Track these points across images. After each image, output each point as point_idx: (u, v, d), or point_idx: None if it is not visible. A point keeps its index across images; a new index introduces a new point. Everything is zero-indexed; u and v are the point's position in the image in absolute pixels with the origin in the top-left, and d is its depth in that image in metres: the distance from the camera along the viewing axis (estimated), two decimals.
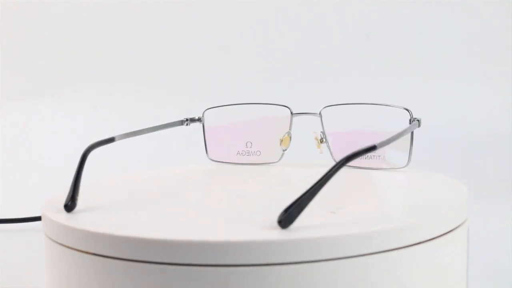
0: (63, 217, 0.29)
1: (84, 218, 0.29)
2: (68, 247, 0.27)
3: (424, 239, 0.27)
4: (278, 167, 0.43)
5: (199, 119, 0.45)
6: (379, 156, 0.39)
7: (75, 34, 0.83)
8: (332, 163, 0.28)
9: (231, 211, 0.30)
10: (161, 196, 0.35)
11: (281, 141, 0.42)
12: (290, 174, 0.41)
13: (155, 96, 0.81)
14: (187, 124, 0.44)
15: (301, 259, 0.24)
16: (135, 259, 0.25)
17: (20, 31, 0.83)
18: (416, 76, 0.79)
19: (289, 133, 0.42)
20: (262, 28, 0.82)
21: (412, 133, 0.37)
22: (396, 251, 0.26)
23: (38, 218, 0.50)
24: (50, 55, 0.83)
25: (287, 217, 0.26)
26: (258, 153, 0.43)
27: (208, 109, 0.45)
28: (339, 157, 0.38)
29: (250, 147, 0.44)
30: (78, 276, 0.27)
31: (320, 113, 0.41)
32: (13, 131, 0.80)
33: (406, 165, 0.38)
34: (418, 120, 0.37)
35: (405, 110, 0.37)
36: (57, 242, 0.28)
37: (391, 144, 0.33)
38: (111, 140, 0.37)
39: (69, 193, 0.31)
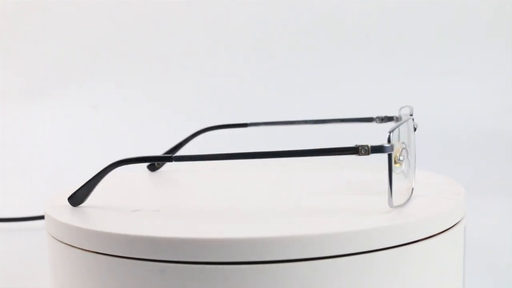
0: (66, 216, 0.29)
1: (87, 217, 0.29)
2: (71, 245, 0.28)
3: (420, 238, 0.27)
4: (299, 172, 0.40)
5: (393, 118, 0.39)
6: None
7: (76, 34, 0.83)
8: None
9: (231, 210, 0.30)
10: (162, 195, 0.35)
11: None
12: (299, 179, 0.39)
13: (156, 96, 0.82)
14: (377, 122, 0.39)
15: (305, 256, 0.25)
16: (137, 257, 0.25)
17: (20, 31, 0.84)
18: (416, 75, 0.79)
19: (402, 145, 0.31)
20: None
21: (389, 166, 0.27)
22: (393, 249, 0.26)
23: (40, 217, 0.50)
24: (50, 55, 0.83)
25: None
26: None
27: (403, 107, 0.39)
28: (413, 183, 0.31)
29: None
30: (81, 275, 0.27)
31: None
32: (13, 131, 0.80)
33: (390, 206, 0.28)
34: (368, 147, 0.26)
35: None
36: (60, 241, 0.28)
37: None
38: (243, 125, 0.37)
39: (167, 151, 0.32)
